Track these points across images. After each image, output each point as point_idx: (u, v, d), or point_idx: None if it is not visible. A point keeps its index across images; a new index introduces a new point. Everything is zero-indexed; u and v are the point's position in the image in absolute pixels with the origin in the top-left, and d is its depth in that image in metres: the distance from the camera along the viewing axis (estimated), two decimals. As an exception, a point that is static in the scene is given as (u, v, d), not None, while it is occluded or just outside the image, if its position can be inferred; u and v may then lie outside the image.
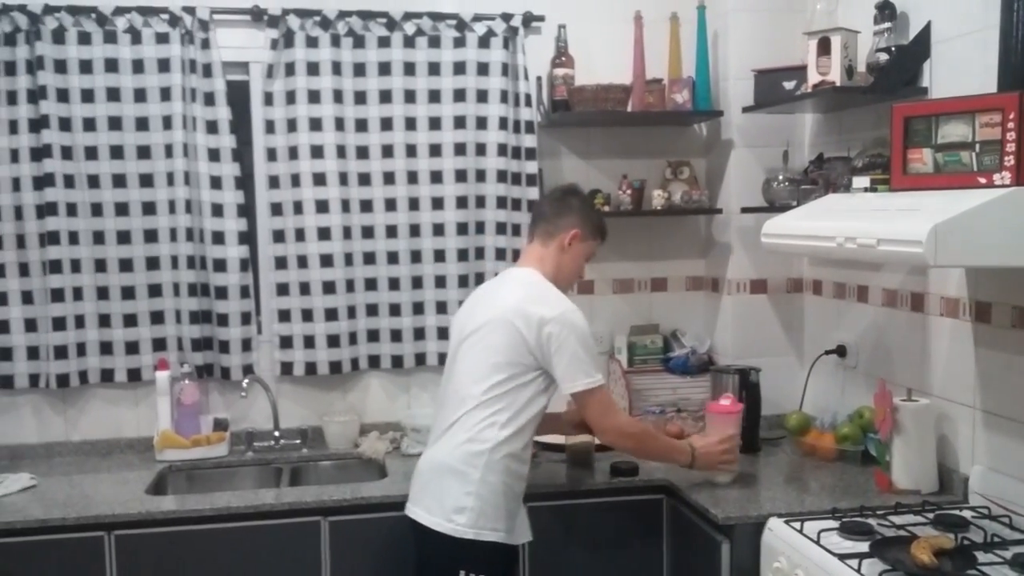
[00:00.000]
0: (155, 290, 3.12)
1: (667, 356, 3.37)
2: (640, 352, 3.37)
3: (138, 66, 3.05)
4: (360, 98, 3.18)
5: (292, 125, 3.13)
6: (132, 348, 3.12)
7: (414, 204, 3.23)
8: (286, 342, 3.20)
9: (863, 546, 2.09)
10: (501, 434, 2.33)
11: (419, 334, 3.27)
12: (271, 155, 3.16)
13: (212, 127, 3.10)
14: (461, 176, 3.22)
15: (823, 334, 3.18)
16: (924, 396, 2.60)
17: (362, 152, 3.19)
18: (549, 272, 2.50)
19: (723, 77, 3.30)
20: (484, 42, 3.21)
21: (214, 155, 3.10)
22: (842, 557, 2.04)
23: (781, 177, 3.07)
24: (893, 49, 2.68)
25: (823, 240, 2.22)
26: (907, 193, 2.21)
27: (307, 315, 3.17)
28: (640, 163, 3.40)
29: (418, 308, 3.26)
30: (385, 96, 3.18)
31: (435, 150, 3.22)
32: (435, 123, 3.21)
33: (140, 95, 3.06)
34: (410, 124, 3.20)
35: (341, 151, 3.15)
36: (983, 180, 2.05)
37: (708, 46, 3.28)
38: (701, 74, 3.27)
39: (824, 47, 2.75)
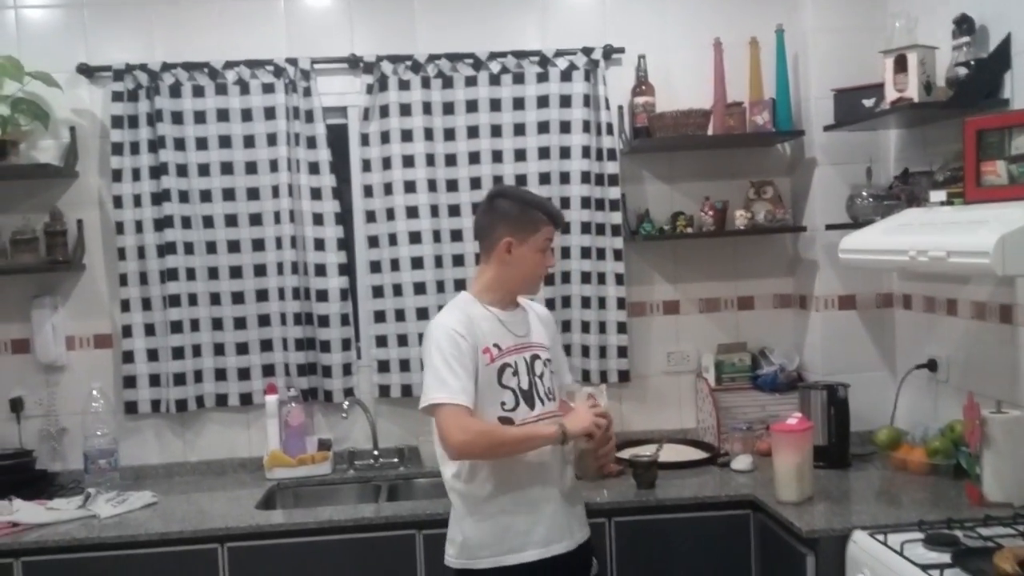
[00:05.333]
0: (264, 320, 3.34)
1: (756, 374, 3.40)
2: (728, 370, 3.40)
3: (247, 114, 3.30)
4: (449, 135, 3.34)
5: (387, 163, 3.32)
6: (244, 374, 3.35)
7: (502, 233, 3.37)
8: (383, 366, 3.37)
9: (947, 557, 2.08)
10: (447, 461, 2.38)
11: (509, 357, 3.38)
12: (368, 191, 3.35)
13: (314, 168, 3.31)
14: (547, 204, 3.35)
15: (914, 348, 3.16)
16: (1015, 408, 2.56)
17: (452, 185, 3.35)
18: (492, 284, 2.44)
19: (804, 97, 3.34)
20: (566, 76, 3.34)
21: (316, 194, 3.32)
22: (925, 567, 2.04)
23: (865, 193, 3.08)
24: (972, 63, 2.67)
25: (896, 254, 2.25)
26: (981, 205, 2.22)
27: (402, 340, 3.34)
28: (723, 184, 3.46)
29: (507, 332, 3.39)
30: (473, 132, 3.34)
31: (521, 180, 3.35)
32: (520, 155, 3.35)
33: (249, 141, 3.30)
34: (497, 157, 3.35)
35: (432, 185, 3.32)
36: (1056, 189, 2.06)
37: (788, 67, 3.32)
38: (781, 95, 3.31)
39: (901, 64, 2.77)
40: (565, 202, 3.34)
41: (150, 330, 3.28)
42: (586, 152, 3.33)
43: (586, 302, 3.35)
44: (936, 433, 2.87)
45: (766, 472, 2.87)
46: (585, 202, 3.33)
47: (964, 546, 2.15)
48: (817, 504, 2.64)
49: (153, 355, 3.29)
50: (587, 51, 3.34)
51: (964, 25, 2.71)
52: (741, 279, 3.52)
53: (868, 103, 3.05)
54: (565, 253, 3.34)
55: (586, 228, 3.34)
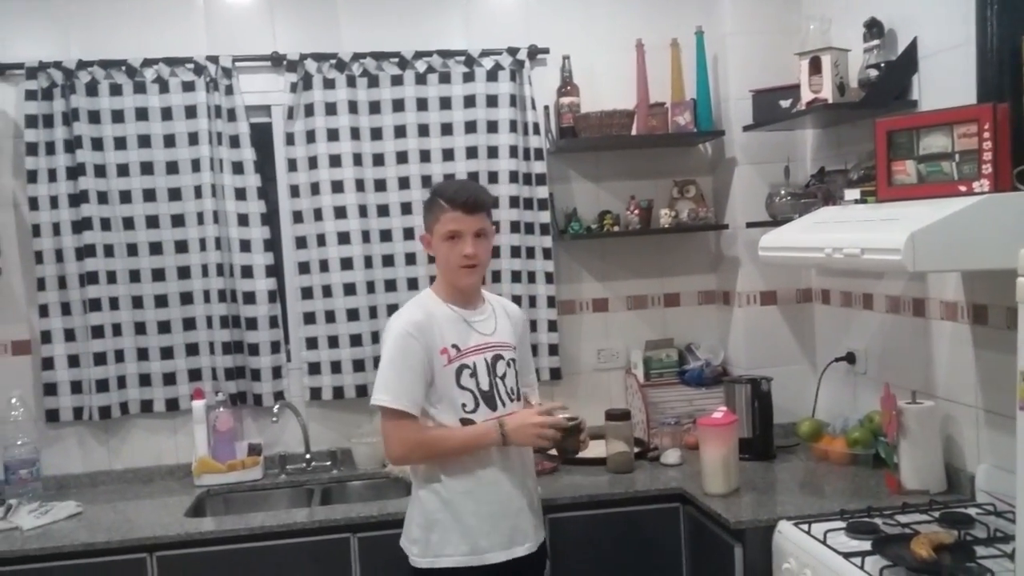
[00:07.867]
0: (189, 323, 3.27)
1: (682, 369, 3.46)
2: (656, 366, 3.46)
3: (167, 113, 3.23)
4: (376, 134, 3.33)
5: (313, 162, 3.29)
6: (169, 379, 3.28)
7: (431, 232, 3.36)
8: (314, 368, 3.34)
9: (867, 544, 2.15)
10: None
11: (441, 356, 3.38)
12: (294, 191, 3.31)
13: (238, 168, 3.26)
14: (475, 204, 3.35)
15: (833, 342, 3.26)
16: (929, 398, 2.67)
17: (380, 185, 3.33)
18: (439, 281, 2.44)
19: (724, 98, 3.41)
20: (492, 75, 3.35)
21: (240, 194, 3.27)
22: (847, 555, 2.11)
23: (783, 192, 3.16)
24: (882, 65, 2.77)
25: (813, 251, 2.31)
26: (893, 203, 2.30)
27: (333, 342, 3.31)
28: (647, 184, 3.52)
29: (439, 331, 3.38)
30: (400, 131, 3.33)
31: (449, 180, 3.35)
32: (448, 154, 3.35)
33: (169, 140, 3.23)
34: (424, 156, 3.34)
35: (360, 184, 3.30)
36: (963, 188, 2.15)
37: (708, 68, 3.39)
38: (702, 96, 3.38)
39: (815, 66, 2.85)
40: (494, 202, 3.34)
41: (70, 335, 3.20)
42: (513, 152, 3.35)
43: (516, 301, 3.35)
44: (855, 424, 2.97)
45: (694, 465, 2.92)
46: (514, 201, 3.35)
47: (884, 533, 2.24)
48: (743, 496, 2.71)
49: (74, 361, 3.20)
50: (512, 51, 3.36)
51: (874, 28, 2.80)
52: (667, 276, 3.59)
53: (785, 104, 3.13)
54: (495, 252, 3.33)
55: (515, 227, 3.37)
